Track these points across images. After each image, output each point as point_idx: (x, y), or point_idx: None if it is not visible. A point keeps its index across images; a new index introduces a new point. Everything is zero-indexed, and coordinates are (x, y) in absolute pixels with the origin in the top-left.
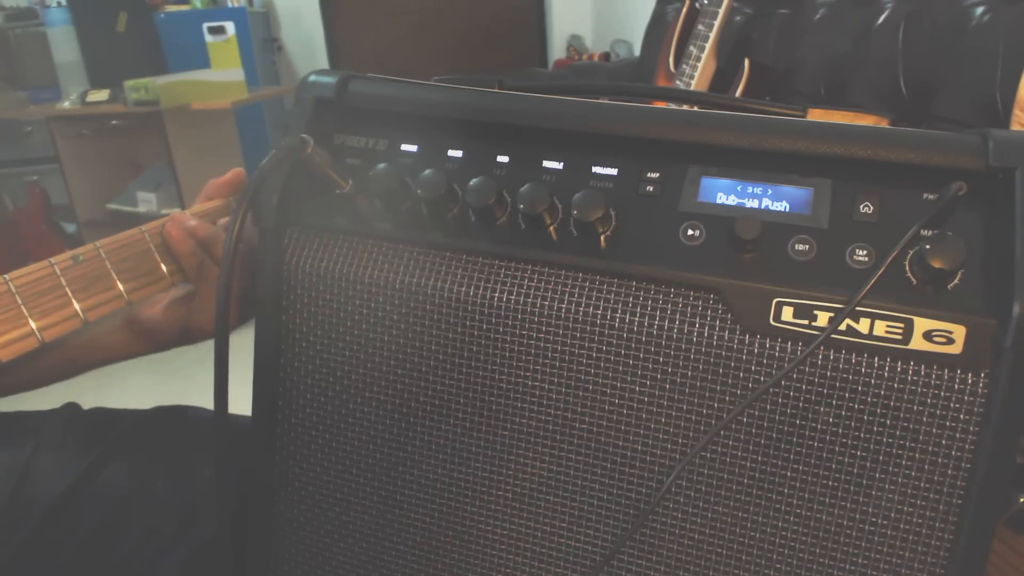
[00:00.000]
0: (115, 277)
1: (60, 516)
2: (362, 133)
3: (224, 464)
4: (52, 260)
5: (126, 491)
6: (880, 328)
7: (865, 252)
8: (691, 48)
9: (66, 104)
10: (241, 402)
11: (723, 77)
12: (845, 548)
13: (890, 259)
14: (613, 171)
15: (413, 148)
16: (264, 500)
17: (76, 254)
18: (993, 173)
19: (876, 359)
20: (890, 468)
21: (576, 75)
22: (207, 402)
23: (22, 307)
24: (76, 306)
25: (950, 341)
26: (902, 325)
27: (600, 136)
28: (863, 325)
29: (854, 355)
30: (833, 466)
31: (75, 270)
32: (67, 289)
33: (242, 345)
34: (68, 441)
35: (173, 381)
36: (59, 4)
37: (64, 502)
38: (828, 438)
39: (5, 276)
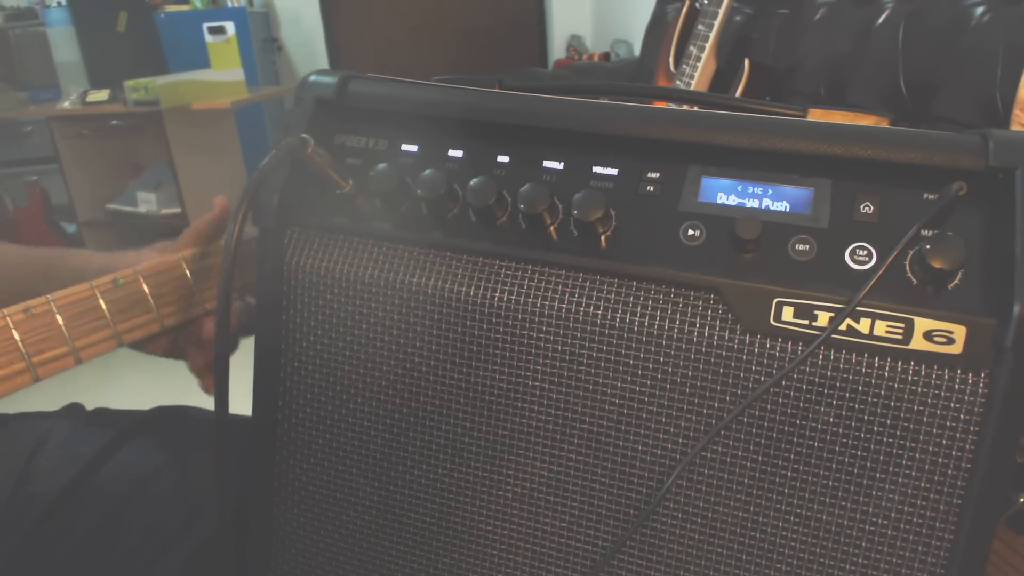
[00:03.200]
0: (152, 302)
1: (61, 515)
2: (362, 133)
3: (224, 464)
4: (93, 283)
5: (127, 491)
6: (880, 328)
7: (865, 252)
8: (691, 48)
9: (66, 104)
10: (241, 402)
11: (723, 77)
12: (845, 548)
13: (890, 259)
14: (613, 171)
15: (413, 148)
16: (264, 500)
17: (116, 278)
18: (993, 173)
19: (876, 359)
20: (890, 468)
21: (576, 75)
22: (207, 402)
23: (63, 328)
24: (113, 328)
25: (950, 341)
26: (902, 325)
27: (600, 136)
28: (863, 325)
29: (854, 355)
30: (833, 466)
31: (114, 292)
32: (105, 311)
33: (242, 345)
34: (69, 441)
35: (173, 381)
36: (59, 4)
37: (65, 501)
38: (828, 438)
39: (48, 297)
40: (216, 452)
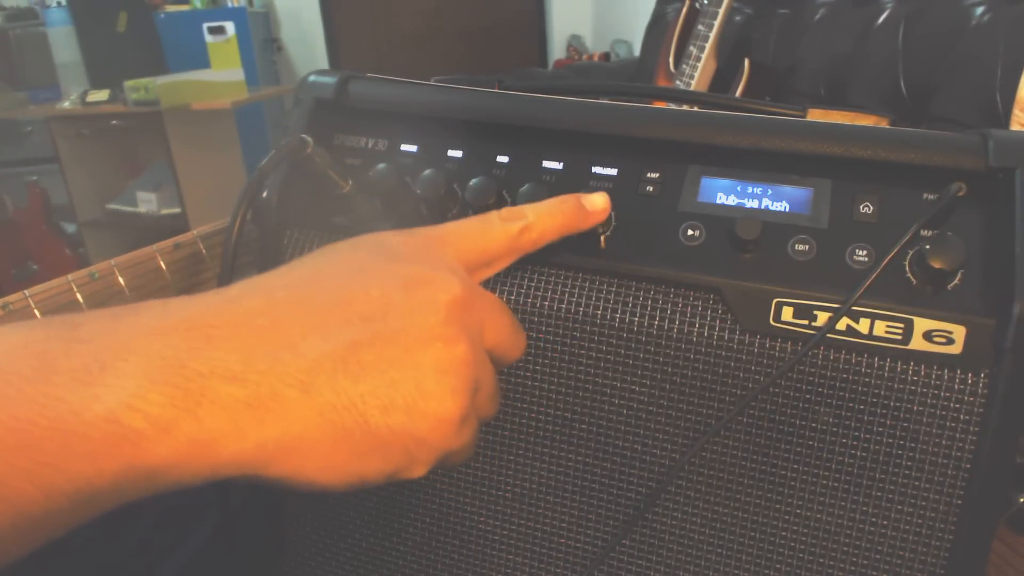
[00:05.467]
0: (128, 295)
1: None
2: (362, 133)
3: None
4: (69, 277)
5: None
6: (880, 328)
7: (865, 252)
8: (691, 48)
9: (66, 104)
10: None
11: (723, 77)
12: (845, 548)
13: (887, 259)
14: (613, 171)
15: (413, 148)
16: (264, 500)
17: (92, 271)
18: (993, 173)
19: (876, 359)
20: (890, 468)
21: (576, 75)
22: None
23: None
24: None
25: (950, 341)
26: (902, 325)
27: (600, 136)
28: (863, 325)
29: (854, 355)
30: (833, 466)
31: (91, 286)
32: (83, 305)
33: None
34: None
35: None
36: (59, 4)
37: None
38: (828, 438)
39: (25, 292)
40: None
